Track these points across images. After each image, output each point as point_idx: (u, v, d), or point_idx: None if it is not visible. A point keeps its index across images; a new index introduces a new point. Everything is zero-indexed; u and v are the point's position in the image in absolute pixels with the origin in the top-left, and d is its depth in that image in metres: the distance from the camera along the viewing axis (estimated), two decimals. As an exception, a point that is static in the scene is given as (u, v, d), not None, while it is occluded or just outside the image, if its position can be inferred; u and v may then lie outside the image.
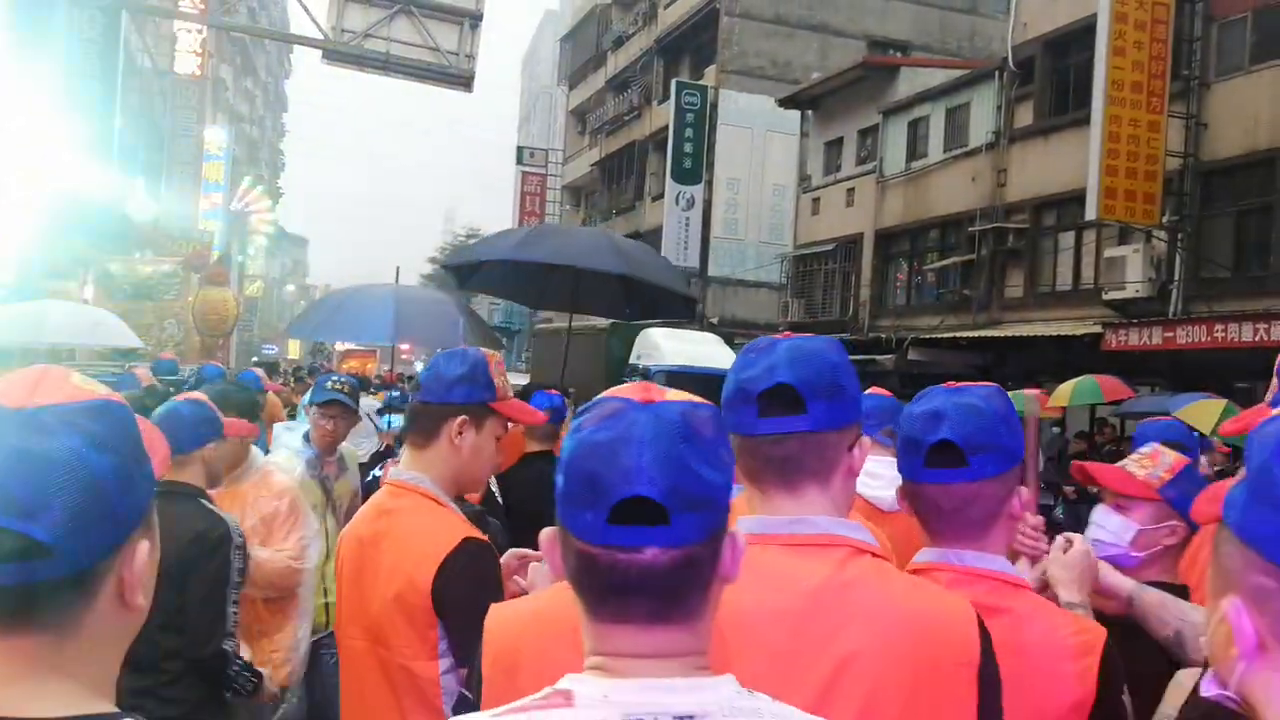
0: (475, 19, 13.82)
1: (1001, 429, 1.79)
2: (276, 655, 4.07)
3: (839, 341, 1.68)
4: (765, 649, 1.44)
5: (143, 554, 1.06)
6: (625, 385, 1.20)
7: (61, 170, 12.99)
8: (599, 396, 1.19)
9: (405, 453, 2.50)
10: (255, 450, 4.30)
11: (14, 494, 0.96)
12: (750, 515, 1.56)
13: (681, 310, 8.51)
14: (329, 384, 5.23)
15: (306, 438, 5.19)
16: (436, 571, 2.20)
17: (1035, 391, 4.06)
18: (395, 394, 9.10)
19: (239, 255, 47.15)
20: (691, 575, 1.10)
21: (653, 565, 1.07)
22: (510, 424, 2.52)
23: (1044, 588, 2.07)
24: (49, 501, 0.96)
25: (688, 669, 1.10)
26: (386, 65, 13.16)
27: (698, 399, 1.19)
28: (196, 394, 3.64)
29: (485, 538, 2.32)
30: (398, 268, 25.07)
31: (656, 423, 1.11)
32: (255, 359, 21.73)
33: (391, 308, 8.22)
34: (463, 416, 2.36)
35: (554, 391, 5.64)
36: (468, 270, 7.98)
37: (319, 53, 13.90)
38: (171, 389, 6.80)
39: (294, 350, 51.19)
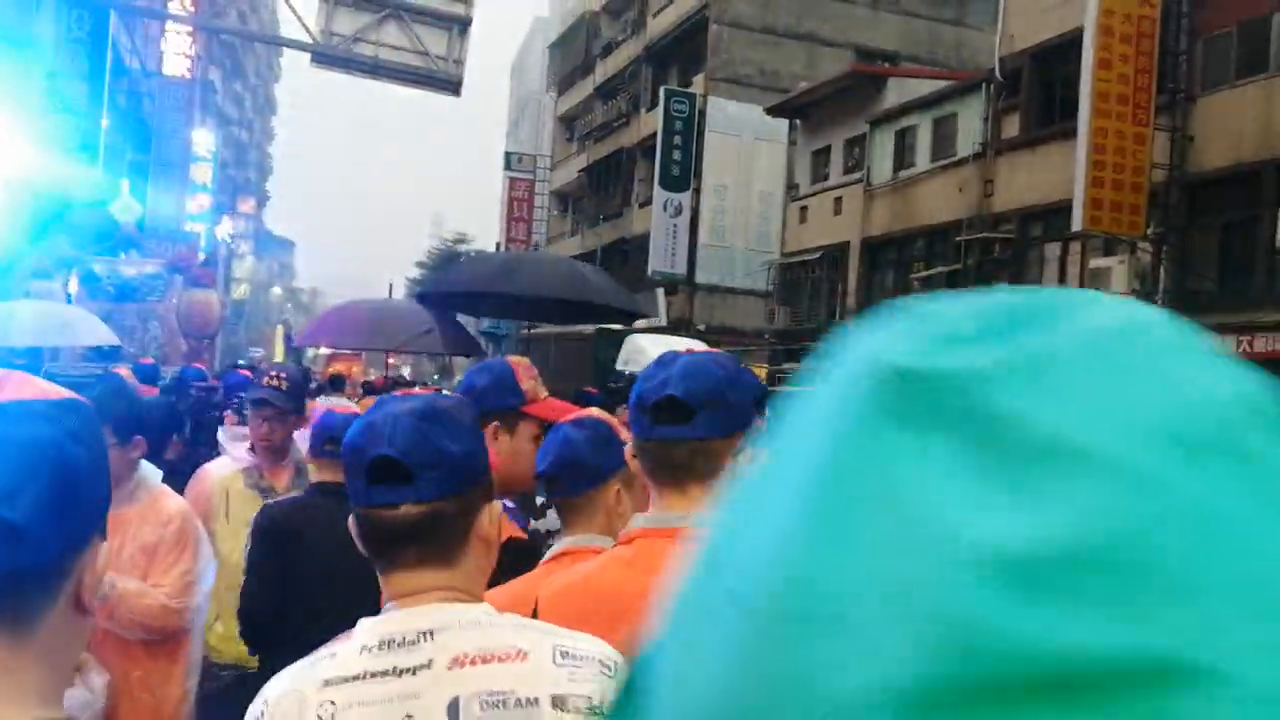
0: (464, 24, 13.79)
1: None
2: (164, 710, 3.51)
3: (734, 356, 1.90)
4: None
5: (102, 557, 1.02)
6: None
7: (46, 171, 12.92)
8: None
9: None
10: (146, 469, 3.70)
11: None
12: (647, 512, 1.79)
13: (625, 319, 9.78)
14: (263, 380, 4.64)
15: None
16: None
17: None
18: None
19: (227, 257, 47.09)
20: (441, 526, 1.42)
21: (406, 518, 1.40)
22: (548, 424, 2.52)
23: None
24: (24, 486, 0.91)
25: (447, 601, 1.41)
26: (375, 69, 13.13)
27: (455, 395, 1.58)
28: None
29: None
30: (390, 283, 25.05)
31: (406, 406, 1.46)
32: (241, 361, 21.63)
33: (371, 317, 8.91)
34: (494, 423, 2.48)
35: None
36: (436, 297, 8.90)
37: (308, 56, 13.87)
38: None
39: (279, 353, 51.02)
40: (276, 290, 79.26)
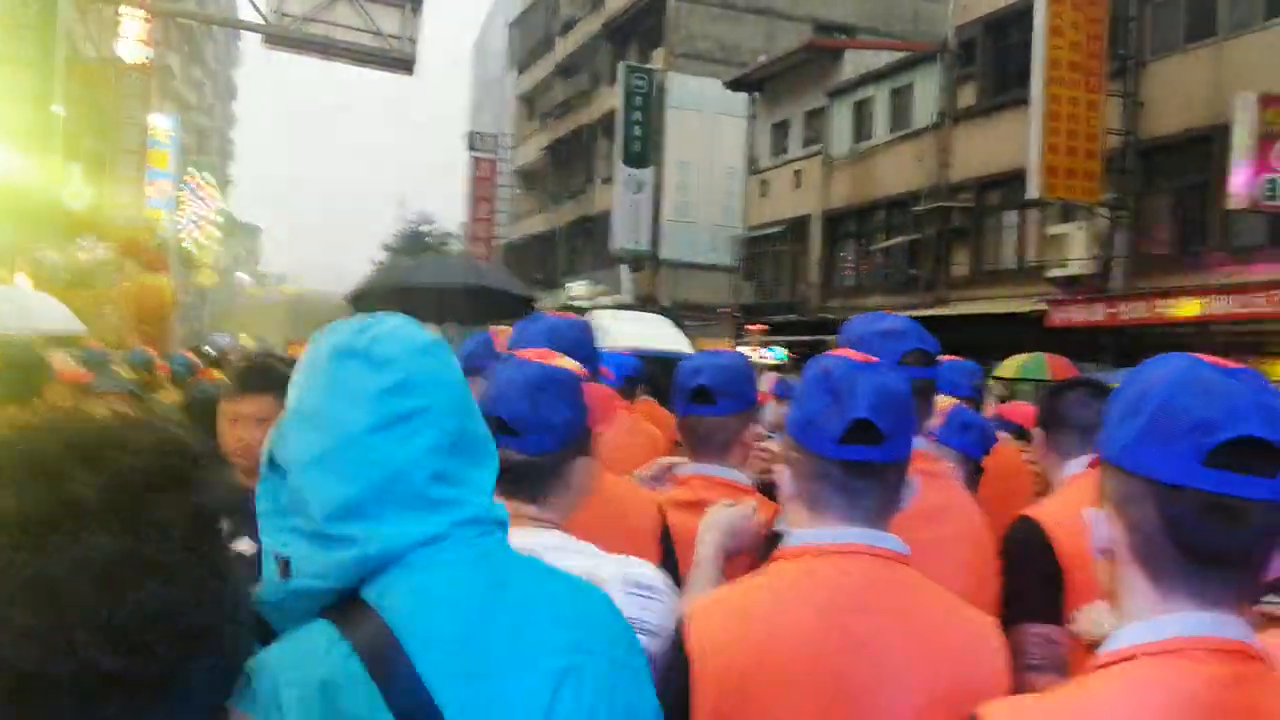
0: (416, 2, 13.72)
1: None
2: None
3: (744, 356, 2.64)
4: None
5: None
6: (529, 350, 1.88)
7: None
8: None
9: None
10: None
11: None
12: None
13: (522, 310, 10.95)
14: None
15: None
16: None
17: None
18: None
19: (187, 244, 46.55)
20: (534, 472, 1.74)
21: (509, 461, 1.57)
22: None
23: None
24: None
25: (533, 527, 1.72)
26: (327, 49, 13.05)
27: (570, 367, 1.81)
28: None
29: None
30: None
31: (523, 374, 1.77)
32: (206, 347, 21.38)
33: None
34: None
35: None
36: (366, 297, 9.92)
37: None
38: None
39: (250, 340, 50.63)
40: (243, 276, 78.57)
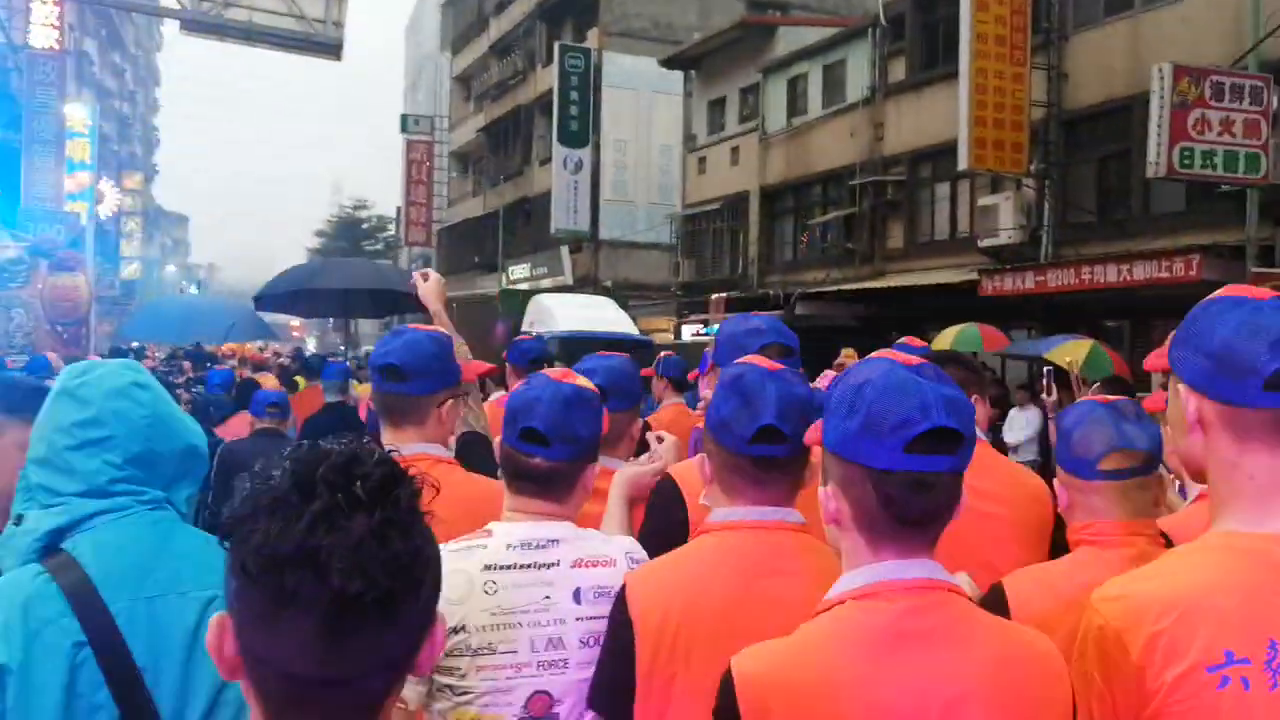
0: (343, -15, 13.55)
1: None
2: None
3: (629, 360, 3.01)
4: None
5: None
6: (554, 369, 2.31)
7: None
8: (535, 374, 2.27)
9: None
10: None
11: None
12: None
13: (410, 305, 12.07)
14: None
15: None
16: None
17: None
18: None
19: (114, 236, 45.54)
20: (559, 476, 2.13)
21: (538, 468, 2.11)
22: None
23: None
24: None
25: (555, 520, 2.12)
26: (249, 35, 12.83)
27: (590, 387, 2.21)
28: None
29: None
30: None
31: (558, 392, 2.13)
32: (127, 346, 20.64)
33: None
34: (450, 400, 3.05)
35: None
36: (267, 299, 11.11)
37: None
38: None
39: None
40: (170, 268, 77.09)
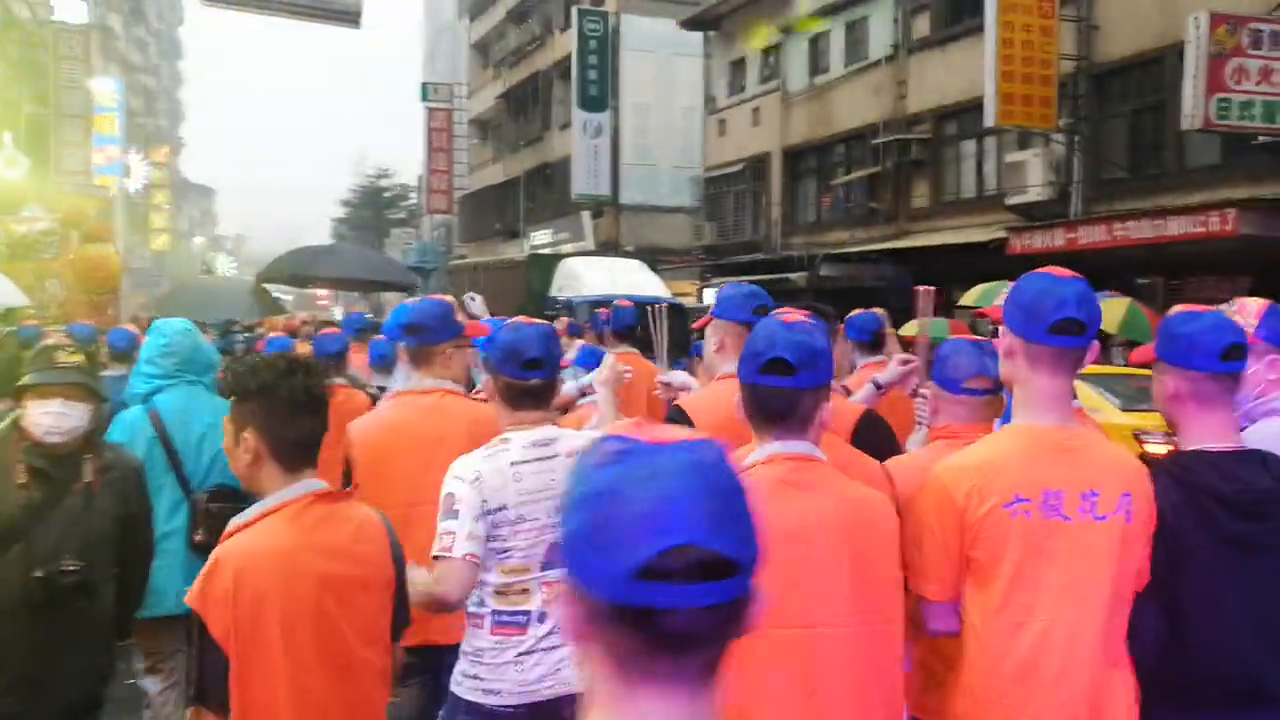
0: (357, -50, 13.37)
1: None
2: None
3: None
4: None
5: None
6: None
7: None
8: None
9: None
10: None
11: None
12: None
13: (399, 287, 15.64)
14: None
15: None
16: None
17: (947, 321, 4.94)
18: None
19: (143, 208, 45.77)
20: (549, 390, 3.11)
21: (534, 386, 3.02)
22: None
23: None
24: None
25: (547, 425, 3.05)
26: (267, 4, 12.71)
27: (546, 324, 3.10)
28: None
29: None
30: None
31: (539, 329, 3.11)
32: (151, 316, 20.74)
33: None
34: (449, 349, 3.99)
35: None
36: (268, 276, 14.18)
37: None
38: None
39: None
40: (199, 239, 77.46)
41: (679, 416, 3.11)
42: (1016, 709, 2.26)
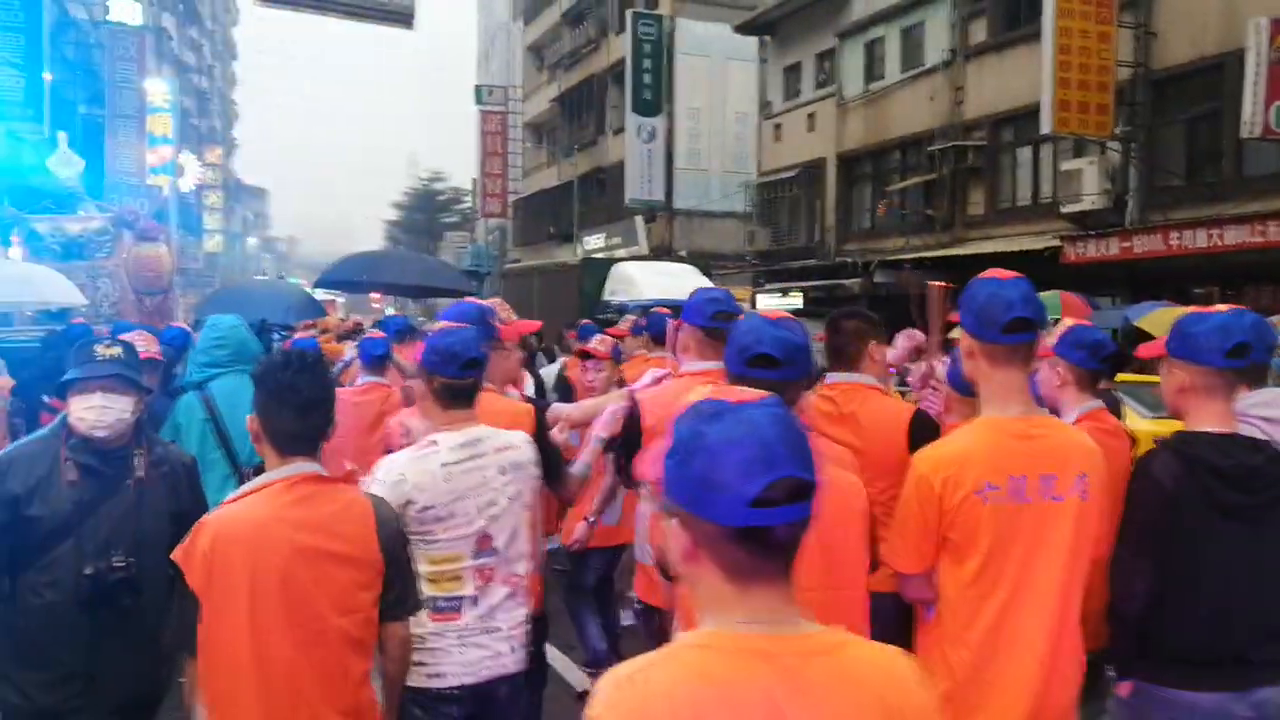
0: (416, -45, 13.60)
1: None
2: None
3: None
4: None
5: None
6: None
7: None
8: None
9: None
10: None
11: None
12: None
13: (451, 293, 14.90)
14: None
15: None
16: None
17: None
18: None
19: (196, 209, 46.44)
20: (477, 390, 3.32)
21: (463, 387, 3.26)
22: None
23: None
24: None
25: (474, 425, 3.26)
26: (322, 4, 12.98)
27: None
28: None
29: None
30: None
31: (471, 335, 3.42)
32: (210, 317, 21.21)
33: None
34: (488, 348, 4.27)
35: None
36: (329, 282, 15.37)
37: (262, -2, 13.69)
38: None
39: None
40: (252, 241, 78.60)
41: (635, 408, 3.57)
42: (980, 667, 2.59)
